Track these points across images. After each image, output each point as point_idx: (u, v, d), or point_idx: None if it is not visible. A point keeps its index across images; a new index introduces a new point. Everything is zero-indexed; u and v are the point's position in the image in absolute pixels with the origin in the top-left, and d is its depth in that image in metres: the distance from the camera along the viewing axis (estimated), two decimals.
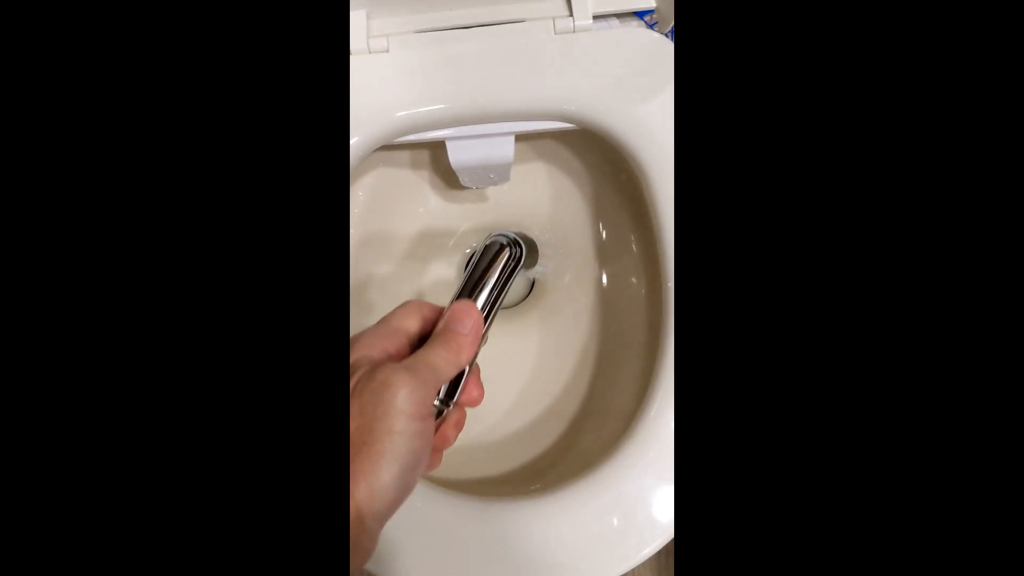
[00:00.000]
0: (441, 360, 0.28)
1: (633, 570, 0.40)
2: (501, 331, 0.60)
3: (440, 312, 0.31)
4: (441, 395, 0.29)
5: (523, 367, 0.58)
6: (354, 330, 0.54)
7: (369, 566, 0.41)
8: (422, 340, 0.30)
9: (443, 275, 0.62)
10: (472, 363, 0.31)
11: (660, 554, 0.40)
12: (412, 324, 0.30)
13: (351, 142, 0.46)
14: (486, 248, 0.34)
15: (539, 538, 0.39)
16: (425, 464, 0.26)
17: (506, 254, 0.33)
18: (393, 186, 0.59)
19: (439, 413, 0.29)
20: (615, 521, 0.39)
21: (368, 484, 0.24)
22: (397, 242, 0.61)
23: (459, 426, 0.31)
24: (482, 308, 0.31)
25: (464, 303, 0.30)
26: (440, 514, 0.41)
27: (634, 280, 0.58)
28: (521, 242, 0.35)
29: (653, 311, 0.55)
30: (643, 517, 0.39)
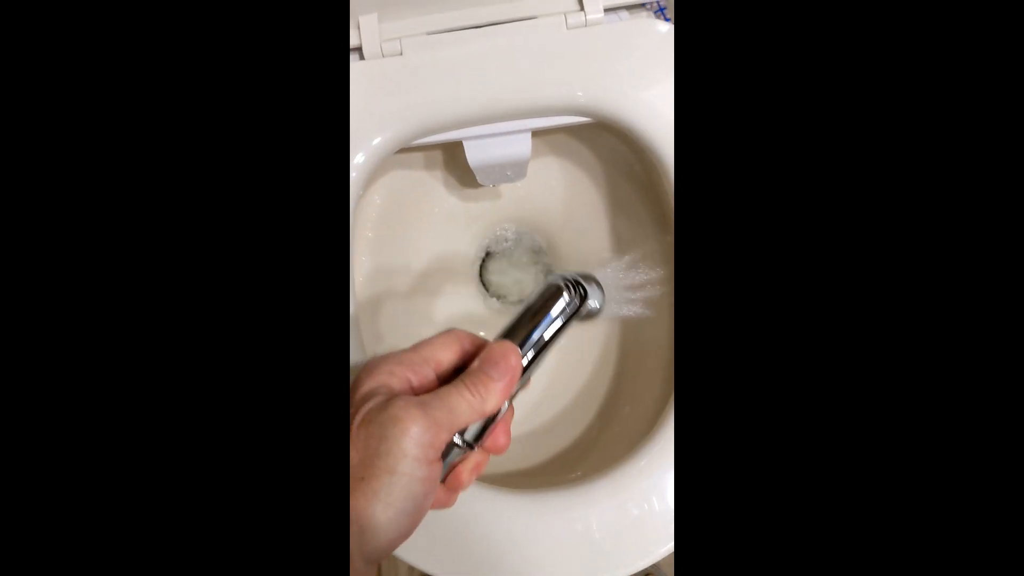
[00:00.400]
0: (463, 403, 0.26)
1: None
2: None
3: (480, 347, 0.29)
4: (467, 436, 0.27)
5: (548, 360, 0.59)
6: (366, 336, 0.55)
7: (412, 562, 0.41)
8: (457, 373, 0.28)
9: (460, 277, 0.62)
10: (507, 407, 0.29)
11: None
12: (447, 356, 0.28)
13: (372, 143, 0.46)
14: (545, 288, 0.31)
15: (581, 525, 0.40)
16: (427, 508, 0.25)
17: (563, 299, 0.30)
18: (408, 188, 0.60)
19: (460, 453, 0.28)
20: (656, 504, 0.39)
21: (360, 523, 0.22)
22: (414, 245, 0.61)
23: (478, 470, 0.29)
24: (524, 353, 0.29)
25: (504, 345, 0.28)
26: (473, 507, 0.42)
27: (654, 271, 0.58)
28: (584, 285, 0.31)
29: (674, 301, 0.55)
30: None
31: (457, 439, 0.27)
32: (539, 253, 0.64)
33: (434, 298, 0.61)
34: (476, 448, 0.28)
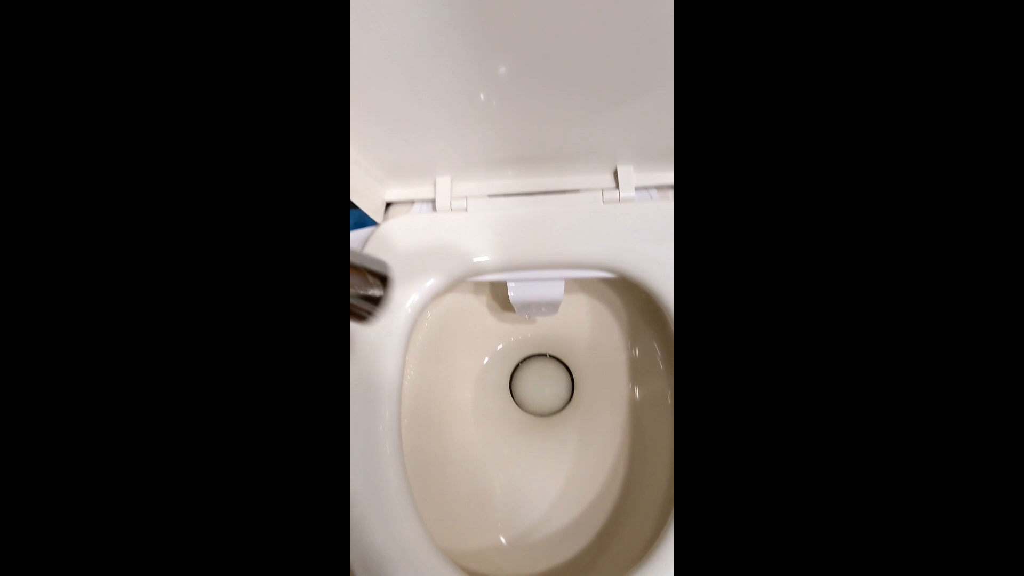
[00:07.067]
0: None
1: None
2: (544, 435, 0.68)
3: None
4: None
5: (562, 470, 0.66)
6: (405, 424, 0.62)
7: None
8: None
9: (494, 373, 0.70)
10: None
11: None
12: None
13: (435, 280, 0.56)
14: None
15: None
16: None
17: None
18: (457, 309, 0.70)
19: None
20: None
21: None
22: (457, 350, 0.70)
23: None
24: None
25: None
26: None
27: (663, 398, 0.65)
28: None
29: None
30: None
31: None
32: (563, 373, 0.72)
33: (467, 403, 0.70)
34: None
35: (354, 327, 0.54)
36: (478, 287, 0.70)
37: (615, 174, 0.58)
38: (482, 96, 0.47)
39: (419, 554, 0.48)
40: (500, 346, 0.72)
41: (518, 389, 0.73)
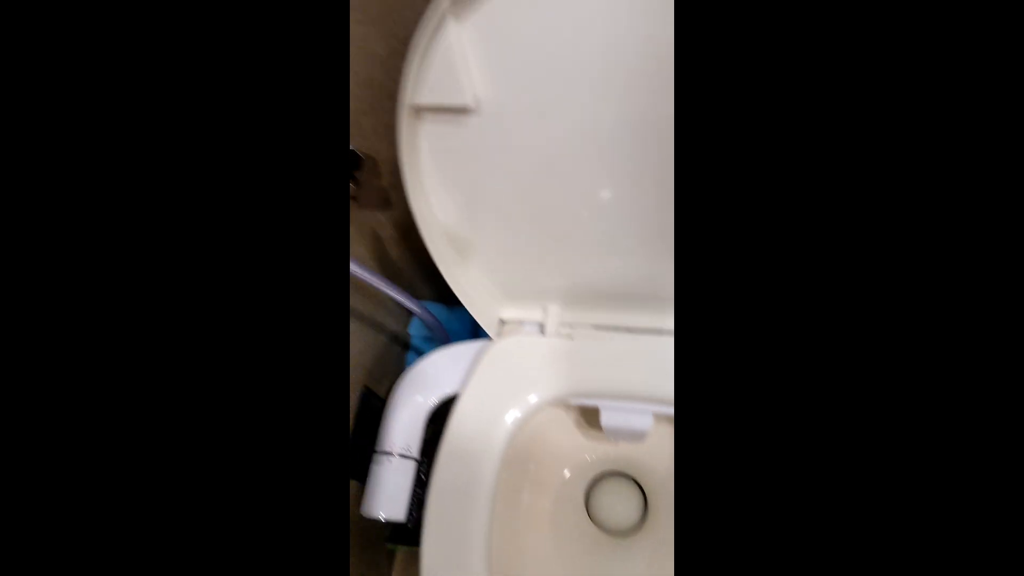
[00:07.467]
0: None
1: None
2: (614, 555, 0.70)
3: None
4: None
5: None
6: (497, 520, 0.67)
7: None
8: None
9: (573, 487, 0.74)
10: None
11: None
12: None
13: (537, 399, 0.62)
14: None
15: None
16: None
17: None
18: (549, 421, 0.75)
19: None
20: None
21: None
22: (544, 460, 0.75)
23: None
24: None
25: None
26: None
27: None
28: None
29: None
30: None
31: None
32: (638, 495, 0.75)
33: (546, 512, 0.73)
34: None
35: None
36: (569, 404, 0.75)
37: None
38: (585, 220, 0.54)
39: None
40: (584, 460, 0.76)
41: (593, 503, 0.76)
